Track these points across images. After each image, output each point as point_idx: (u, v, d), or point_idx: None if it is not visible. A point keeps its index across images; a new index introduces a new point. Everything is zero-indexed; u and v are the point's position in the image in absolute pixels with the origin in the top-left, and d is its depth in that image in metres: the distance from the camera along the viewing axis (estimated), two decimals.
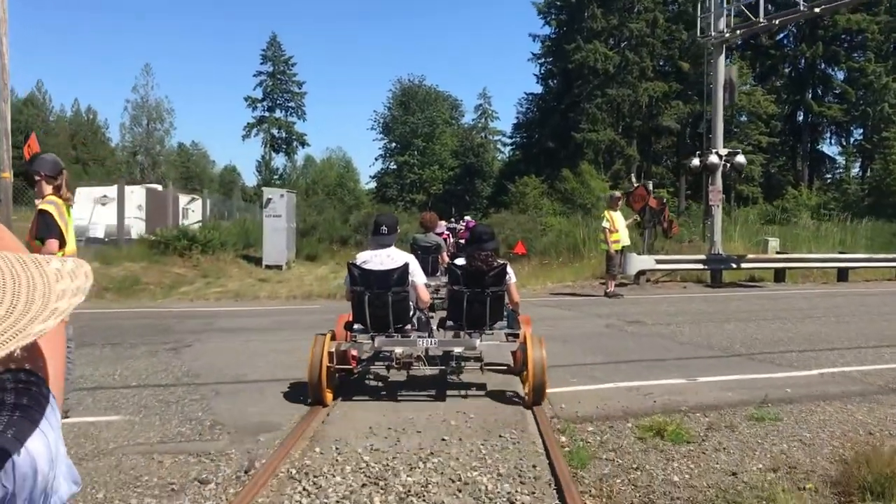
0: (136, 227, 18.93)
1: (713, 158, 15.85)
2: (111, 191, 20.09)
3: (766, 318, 10.38)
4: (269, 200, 17.46)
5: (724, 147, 16.11)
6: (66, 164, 5.07)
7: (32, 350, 0.79)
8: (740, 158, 16.06)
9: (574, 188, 35.90)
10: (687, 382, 6.20)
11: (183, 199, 24.90)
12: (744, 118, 44.71)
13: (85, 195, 19.57)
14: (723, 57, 16.06)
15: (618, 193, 14.42)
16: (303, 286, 14.16)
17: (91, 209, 19.32)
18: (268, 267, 16.73)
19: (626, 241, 13.26)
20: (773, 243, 18.81)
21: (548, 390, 5.33)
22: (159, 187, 25.22)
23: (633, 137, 46.09)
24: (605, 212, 13.35)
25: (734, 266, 16.21)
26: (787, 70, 46.85)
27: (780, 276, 16.81)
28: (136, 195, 20.48)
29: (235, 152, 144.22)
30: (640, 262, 15.11)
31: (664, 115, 44.85)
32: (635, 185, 16.65)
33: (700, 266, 16.06)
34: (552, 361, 5.75)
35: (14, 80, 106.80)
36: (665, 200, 17.90)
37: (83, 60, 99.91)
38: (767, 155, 43.91)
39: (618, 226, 13.00)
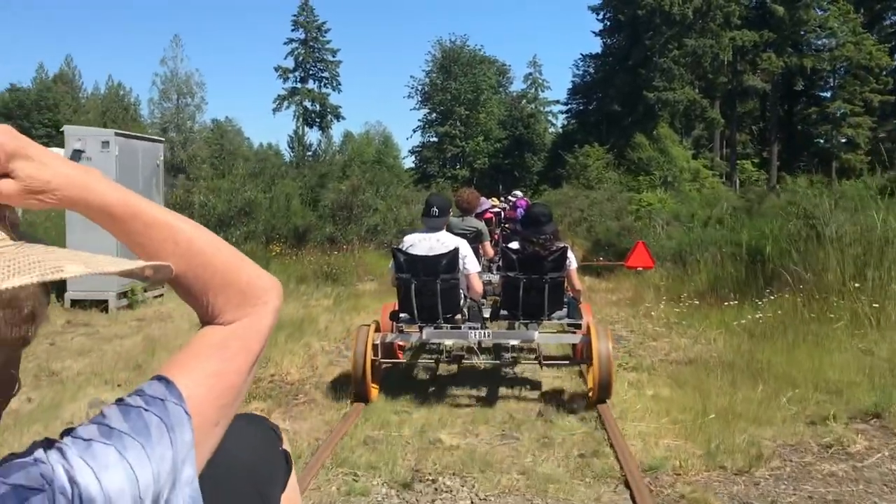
0: None
1: None
2: None
3: None
4: (76, 153, 9.23)
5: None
6: None
7: (181, 357, 0.86)
8: None
9: (651, 157, 34.88)
10: None
11: None
12: (842, 72, 43.11)
13: None
14: None
15: None
16: None
17: None
18: (76, 304, 9.11)
19: None
20: None
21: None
22: None
23: (715, 98, 45.21)
24: None
25: None
26: None
27: None
28: None
29: (269, 128, 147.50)
30: None
31: (748, 74, 43.57)
32: None
33: None
34: None
35: (43, 55, 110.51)
36: None
37: (114, 34, 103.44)
38: (875, 118, 42.50)
39: None
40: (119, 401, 0.78)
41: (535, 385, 6.01)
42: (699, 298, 9.31)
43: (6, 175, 0.73)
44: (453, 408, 5.30)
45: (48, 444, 0.70)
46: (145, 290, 9.96)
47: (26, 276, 0.66)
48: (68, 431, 0.73)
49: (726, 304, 8.60)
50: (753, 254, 9.86)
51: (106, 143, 9.62)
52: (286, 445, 1.45)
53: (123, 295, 9.48)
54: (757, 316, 7.65)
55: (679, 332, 7.92)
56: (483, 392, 5.77)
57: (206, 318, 0.91)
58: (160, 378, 0.81)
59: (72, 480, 0.66)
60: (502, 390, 5.86)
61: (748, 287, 9.03)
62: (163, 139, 12.33)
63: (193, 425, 0.79)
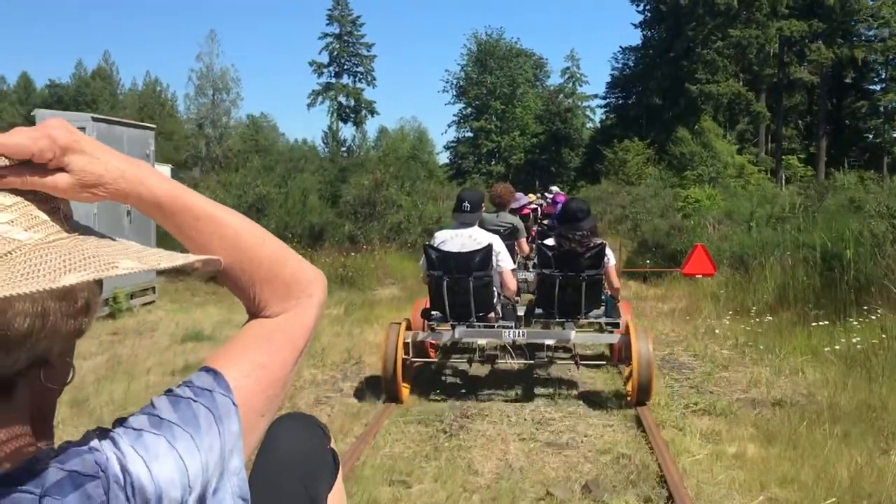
0: None
1: None
2: None
3: None
4: None
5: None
6: None
7: (228, 348, 0.90)
8: None
9: (694, 152, 34.23)
10: None
11: None
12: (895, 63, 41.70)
13: None
14: None
15: None
16: None
17: None
18: None
19: None
20: None
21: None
22: None
23: (761, 90, 44.19)
24: None
25: None
26: None
27: None
28: None
29: (304, 124, 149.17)
30: None
31: (795, 66, 42.42)
32: None
33: None
34: None
35: (82, 52, 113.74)
36: None
37: (151, 30, 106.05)
38: None
39: None
40: (168, 391, 0.81)
41: (578, 429, 4.80)
42: (770, 313, 7.85)
43: (61, 169, 0.75)
44: (469, 474, 3.94)
45: (102, 433, 0.73)
46: (132, 297, 9.05)
47: (82, 272, 0.66)
48: (120, 421, 0.76)
49: (814, 324, 6.97)
50: (828, 259, 8.54)
51: (81, 130, 9.03)
52: (333, 444, 1.49)
53: (104, 302, 8.36)
54: (853, 340, 6.10)
55: (754, 359, 6.50)
56: (510, 442, 4.49)
57: (253, 310, 0.94)
58: (208, 369, 0.84)
59: (124, 469, 0.69)
60: (536, 428, 4.82)
61: (827, 299, 7.64)
62: (153, 126, 11.04)
63: (240, 416, 0.81)
